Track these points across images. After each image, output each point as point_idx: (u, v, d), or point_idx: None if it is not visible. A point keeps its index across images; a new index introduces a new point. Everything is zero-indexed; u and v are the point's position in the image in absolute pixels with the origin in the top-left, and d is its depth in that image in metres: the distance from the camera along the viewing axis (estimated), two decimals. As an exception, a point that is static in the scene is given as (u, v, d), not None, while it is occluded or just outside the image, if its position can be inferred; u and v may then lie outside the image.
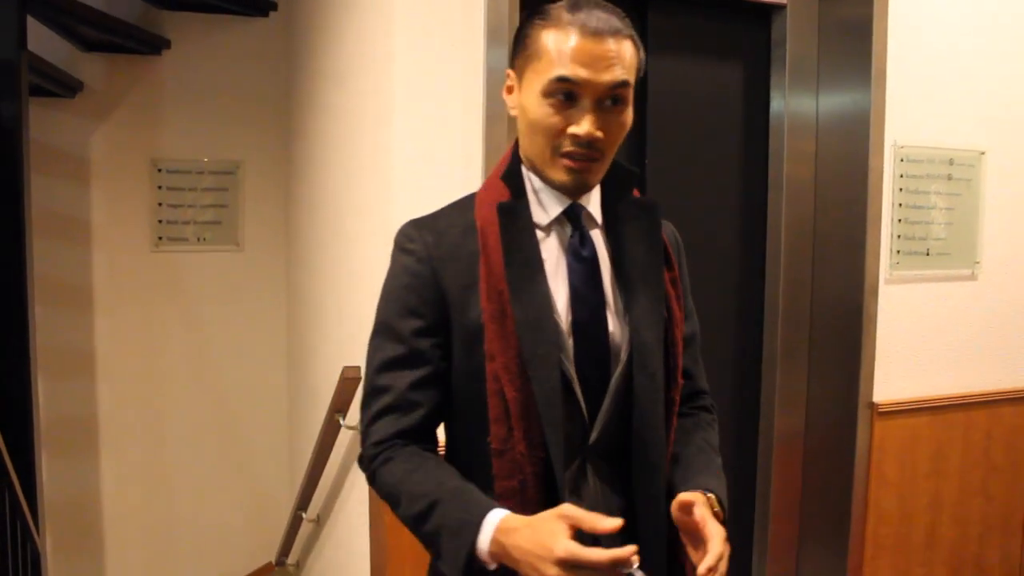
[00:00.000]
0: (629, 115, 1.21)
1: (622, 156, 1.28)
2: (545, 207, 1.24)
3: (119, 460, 3.44)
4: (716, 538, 1.09)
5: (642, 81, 1.25)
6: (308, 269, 3.19)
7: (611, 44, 1.14)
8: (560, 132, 1.16)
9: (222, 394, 3.56)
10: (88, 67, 3.27)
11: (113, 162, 3.35)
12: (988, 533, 2.77)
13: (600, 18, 1.14)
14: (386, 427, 1.21)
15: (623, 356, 1.22)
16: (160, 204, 3.41)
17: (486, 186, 1.28)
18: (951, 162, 2.61)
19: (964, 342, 2.69)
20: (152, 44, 3.25)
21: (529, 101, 1.19)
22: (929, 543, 2.67)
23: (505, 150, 2.05)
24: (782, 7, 2.52)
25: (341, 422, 2.38)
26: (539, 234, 1.23)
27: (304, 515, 2.94)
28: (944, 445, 2.66)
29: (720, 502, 1.19)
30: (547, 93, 1.15)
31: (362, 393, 1.27)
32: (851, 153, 2.51)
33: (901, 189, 2.54)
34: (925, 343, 2.62)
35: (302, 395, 3.37)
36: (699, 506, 1.12)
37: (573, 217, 1.24)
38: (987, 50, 2.65)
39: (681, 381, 1.29)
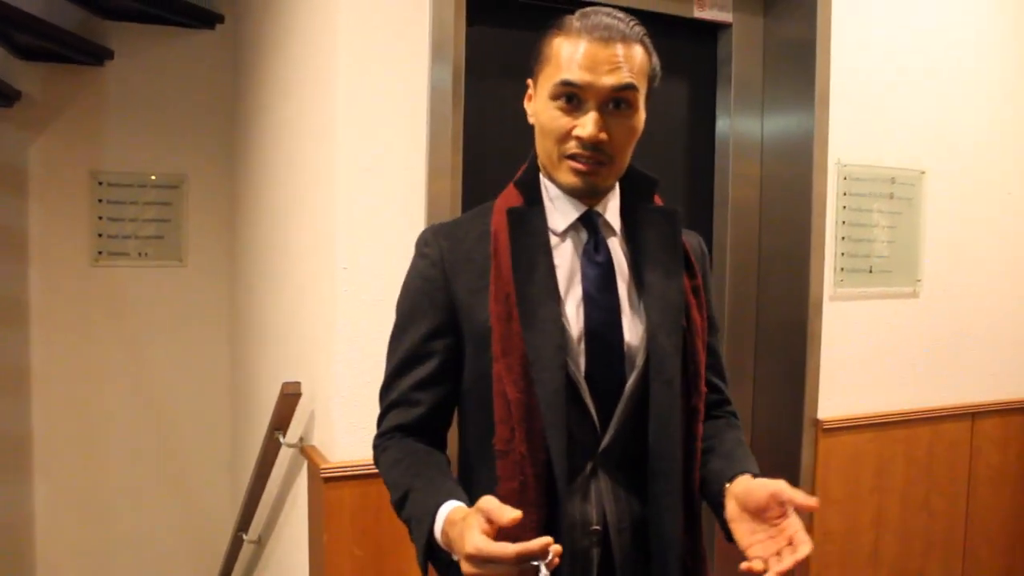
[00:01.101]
0: (638, 119, 1.25)
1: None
2: (561, 213, 1.28)
3: (54, 481, 3.32)
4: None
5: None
6: (252, 285, 3.13)
7: (618, 49, 1.18)
8: (567, 135, 1.21)
9: (162, 412, 3.47)
10: (27, 76, 3.18)
11: (52, 174, 3.26)
12: (930, 549, 2.80)
13: (608, 24, 1.19)
14: (390, 420, 1.30)
15: (639, 362, 1.24)
16: (100, 218, 3.32)
17: (504, 194, 1.31)
18: (893, 180, 2.65)
19: (906, 359, 2.72)
20: (94, 54, 3.17)
21: (539, 106, 1.25)
22: (873, 559, 2.69)
23: (452, 164, 2.06)
24: (727, 26, 2.54)
25: (281, 440, 2.32)
26: (554, 240, 1.26)
27: (245, 536, 2.87)
28: (887, 461, 2.68)
29: None
30: (553, 96, 1.21)
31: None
32: (795, 171, 2.53)
33: (845, 207, 2.57)
34: (868, 360, 2.64)
35: (245, 413, 3.30)
36: (787, 490, 1.11)
37: (589, 224, 1.28)
38: (928, 71, 2.70)
39: (704, 390, 1.30)
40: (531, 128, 1.30)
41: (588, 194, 1.26)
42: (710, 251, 2.61)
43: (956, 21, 2.75)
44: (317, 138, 2.17)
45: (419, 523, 1.15)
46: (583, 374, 1.22)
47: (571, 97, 1.19)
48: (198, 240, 3.47)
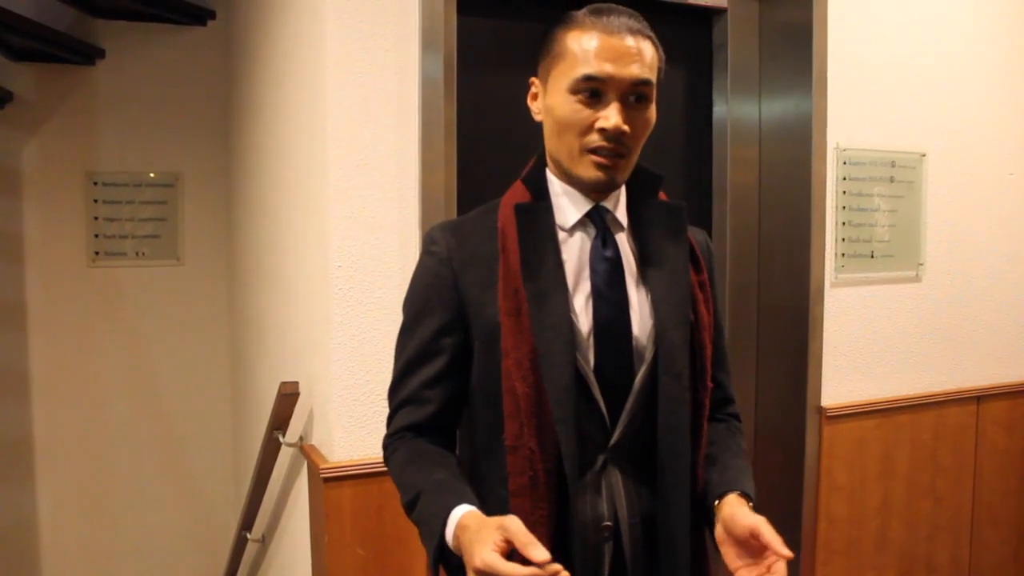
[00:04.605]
0: (652, 113, 1.25)
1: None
2: (569, 209, 1.28)
3: (56, 484, 3.32)
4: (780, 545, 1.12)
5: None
6: (249, 283, 3.11)
7: (631, 42, 1.20)
8: (588, 127, 1.20)
9: (163, 413, 3.46)
10: (18, 77, 3.16)
11: (46, 175, 3.24)
12: (937, 533, 2.78)
13: (620, 20, 1.21)
14: (400, 419, 1.31)
15: (648, 356, 1.24)
16: (96, 218, 3.31)
17: (511, 190, 1.31)
18: (893, 164, 2.62)
19: (909, 344, 2.70)
20: (85, 53, 3.15)
21: (556, 101, 1.23)
22: (879, 546, 2.67)
23: (446, 156, 2.03)
24: (723, 11, 2.51)
25: (281, 439, 2.31)
26: (562, 235, 1.26)
27: (249, 535, 2.86)
28: (892, 447, 2.66)
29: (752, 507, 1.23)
30: (574, 90, 1.20)
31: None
32: (794, 157, 2.50)
33: (844, 192, 2.54)
34: (871, 345, 2.62)
35: (245, 412, 3.29)
36: (766, 532, 1.12)
37: (597, 219, 1.28)
38: (926, 53, 2.67)
39: (711, 385, 1.30)
40: (528, 122, 1.28)
41: (607, 188, 1.26)
42: (709, 238, 2.60)
43: (954, 2, 2.72)
44: (308, 133, 2.15)
45: (430, 526, 1.15)
46: (592, 369, 1.22)
47: (593, 91, 1.19)
48: (195, 238, 3.46)
